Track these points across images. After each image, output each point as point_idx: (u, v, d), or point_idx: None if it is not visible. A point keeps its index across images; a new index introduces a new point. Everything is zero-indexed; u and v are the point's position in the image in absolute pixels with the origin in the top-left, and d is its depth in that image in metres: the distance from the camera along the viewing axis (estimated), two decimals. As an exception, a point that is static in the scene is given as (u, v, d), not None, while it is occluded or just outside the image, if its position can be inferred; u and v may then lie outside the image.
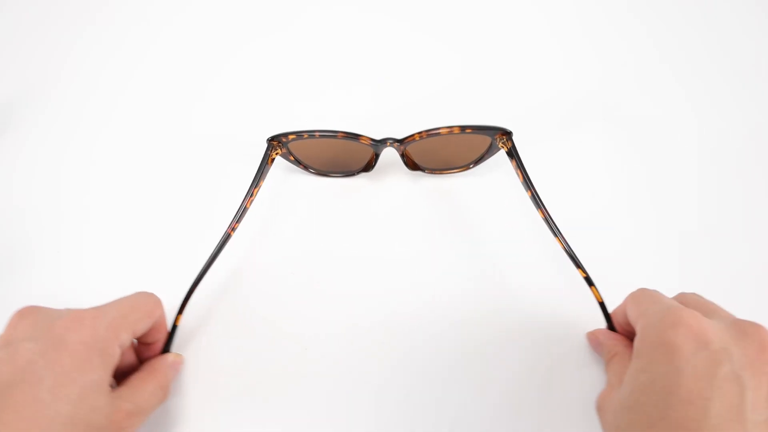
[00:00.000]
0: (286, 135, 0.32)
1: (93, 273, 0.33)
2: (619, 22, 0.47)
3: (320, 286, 0.32)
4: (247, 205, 0.31)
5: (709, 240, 0.34)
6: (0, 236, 0.35)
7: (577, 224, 0.32)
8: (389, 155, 0.36)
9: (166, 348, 0.28)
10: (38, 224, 0.35)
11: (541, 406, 0.28)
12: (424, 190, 0.36)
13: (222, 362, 0.29)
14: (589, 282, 0.28)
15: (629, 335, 0.27)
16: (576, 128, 0.40)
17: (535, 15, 0.48)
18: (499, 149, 0.33)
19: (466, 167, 0.36)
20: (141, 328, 0.25)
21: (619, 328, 0.28)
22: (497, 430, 0.27)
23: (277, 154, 0.33)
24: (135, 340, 0.27)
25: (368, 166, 0.36)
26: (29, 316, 0.23)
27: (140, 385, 0.25)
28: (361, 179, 0.37)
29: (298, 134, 0.32)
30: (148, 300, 0.26)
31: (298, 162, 0.36)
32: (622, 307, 0.27)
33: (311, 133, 0.32)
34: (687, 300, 0.25)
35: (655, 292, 0.26)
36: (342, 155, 0.34)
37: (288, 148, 0.34)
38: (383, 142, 0.33)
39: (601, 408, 0.24)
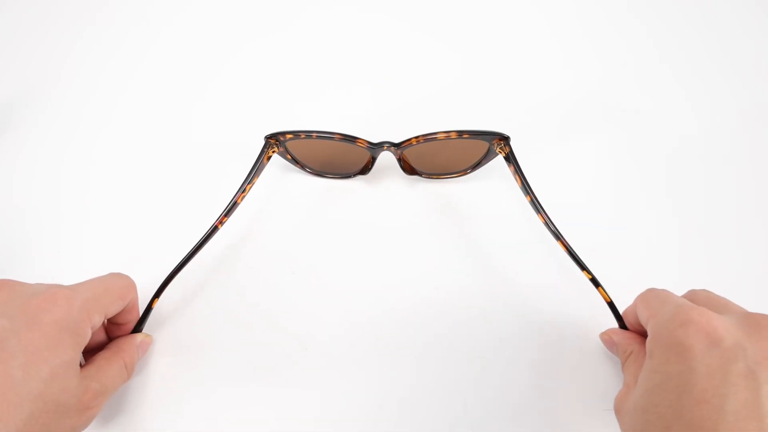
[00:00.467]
0: (283, 134, 0.32)
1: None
2: (619, 22, 0.47)
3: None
4: (238, 201, 0.31)
5: (711, 239, 0.34)
6: (0, 236, 0.35)
7: (577, 225, 0.32)
8: (387, 159, 0.35)
9: (138, 329, 0.29)
10: (38, 224, 0.35)
11: (540, 406, 0.28)
12: (421, 193, 0.36)
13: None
14: (596, 283, 0.28)
15: (643, 334, 0.27)
16: (576, 128, 0.40)
17: (535, 15, 0.48)
18: (496, 154, 0.33)
19: (463, 172, 0.36)
20: (113, 310, 0.26)
21: (631, 328, 0.28)
22: (498, 431, 0.27)
23: (273, 152, 0.33)
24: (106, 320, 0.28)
25: (365, 169, 0.36)
26: (2, 290, 0.23)
27: (106, 364, 0.25)
28: (358, 181, 0.37)
29: (296, 134, 0.32)
30: (122, 282, 0.27)
31: (295, 161, 0.36)
32: (632, 309, 0.27)
33: (308, 133, 0.32)
34: (697, 297, 0.24)
35: (663, 291, 0.25)
36: (339, 157, 0.34)
37: (285, 147, 0.34)
38: (380, 145, 0.33)
39: (618, 410, 0.24)
